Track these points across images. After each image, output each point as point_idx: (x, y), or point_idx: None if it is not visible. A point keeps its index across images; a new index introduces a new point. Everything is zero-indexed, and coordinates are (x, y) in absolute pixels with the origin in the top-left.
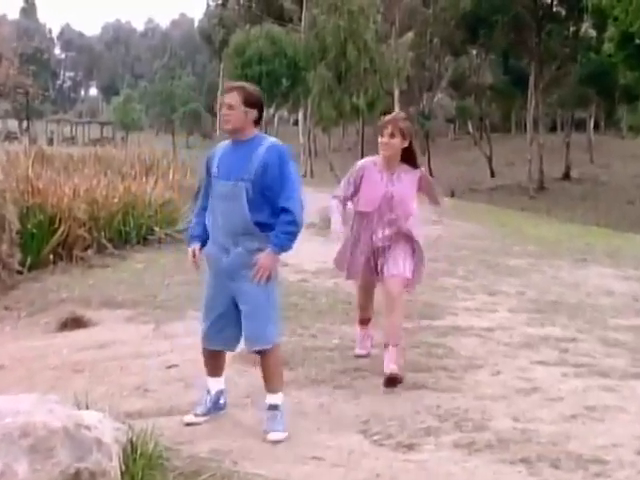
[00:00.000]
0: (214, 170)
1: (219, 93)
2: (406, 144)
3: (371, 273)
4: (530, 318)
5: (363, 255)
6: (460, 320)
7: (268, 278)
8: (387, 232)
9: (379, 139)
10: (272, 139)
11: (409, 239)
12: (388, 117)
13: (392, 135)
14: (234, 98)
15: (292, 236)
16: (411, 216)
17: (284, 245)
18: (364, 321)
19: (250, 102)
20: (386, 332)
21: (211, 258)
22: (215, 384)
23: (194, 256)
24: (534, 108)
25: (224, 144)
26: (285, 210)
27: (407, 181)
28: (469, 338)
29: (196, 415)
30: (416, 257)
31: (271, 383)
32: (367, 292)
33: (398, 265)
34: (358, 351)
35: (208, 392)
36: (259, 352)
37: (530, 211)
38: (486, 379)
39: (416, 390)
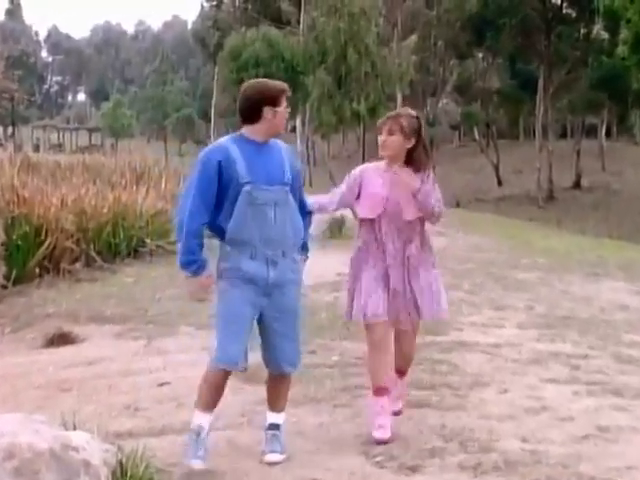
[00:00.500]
0: (244, 175)
1: (214, 98)
2: (410, 144)
3: (396, 313)
4: (539, 334)
5: (379, 282)
6: (466, 335)
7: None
8: (398, 245)
9: (378, 138)
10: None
11: (426, 254)
12: (391, 112)
13: (390, 132)
14: None
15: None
16: (414, 221)
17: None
18: (383, 390)
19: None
20: (401, 359)
21: (249, 276)
22: (211, 417)
23: (208, 284)
24: (543, 114)
25: (233, 147)
26: (310, 213)
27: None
28: (475, 354)
29: (203, 460)
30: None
31: (279, 402)
32: (386, 347)
33: (432, 298)
34: (378, 435)
35: (202, 430)
36: (281, 374)
37: (539, 222)
38: (493, 397)
39: (419, 409)
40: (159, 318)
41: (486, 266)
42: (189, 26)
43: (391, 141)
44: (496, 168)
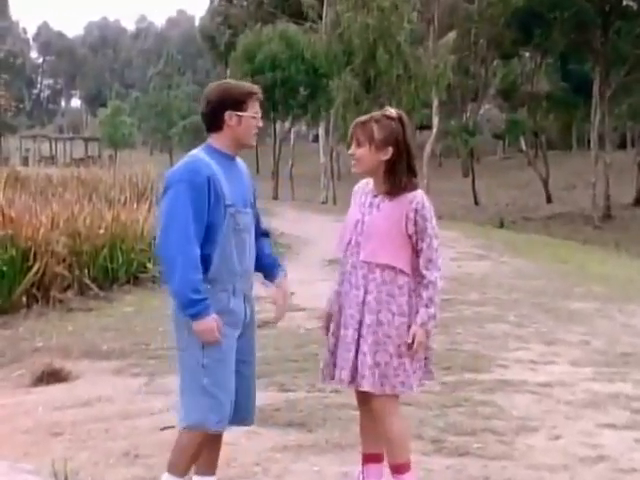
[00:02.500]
0: (227, 195)
1: None
2: (386, 155)
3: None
4: (596, 372)
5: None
6: (511, 373)
7: None
8: (353, 292)
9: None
10: None
11: (383, 312)
12: (361, 117)
13: (358, 142)
14: None
15: None
16: (387, 269)
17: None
18: (370, 457)
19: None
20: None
21: (234, 316)
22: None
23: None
24: (599, 121)
25: (211, 160)
26: (267, 234)
27: (387, 210)
28: (522, 395)
29: None
30: (390, 347)
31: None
32: (367, 407)
33: (365, 371)
34: None
35: None
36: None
37: (595, 244)
38: (543, 445)
39: (459, 457)
40: (162, 353)
41: (534, 295)
42: (197, 23)
43: (360, 154)
44: (545, 183)
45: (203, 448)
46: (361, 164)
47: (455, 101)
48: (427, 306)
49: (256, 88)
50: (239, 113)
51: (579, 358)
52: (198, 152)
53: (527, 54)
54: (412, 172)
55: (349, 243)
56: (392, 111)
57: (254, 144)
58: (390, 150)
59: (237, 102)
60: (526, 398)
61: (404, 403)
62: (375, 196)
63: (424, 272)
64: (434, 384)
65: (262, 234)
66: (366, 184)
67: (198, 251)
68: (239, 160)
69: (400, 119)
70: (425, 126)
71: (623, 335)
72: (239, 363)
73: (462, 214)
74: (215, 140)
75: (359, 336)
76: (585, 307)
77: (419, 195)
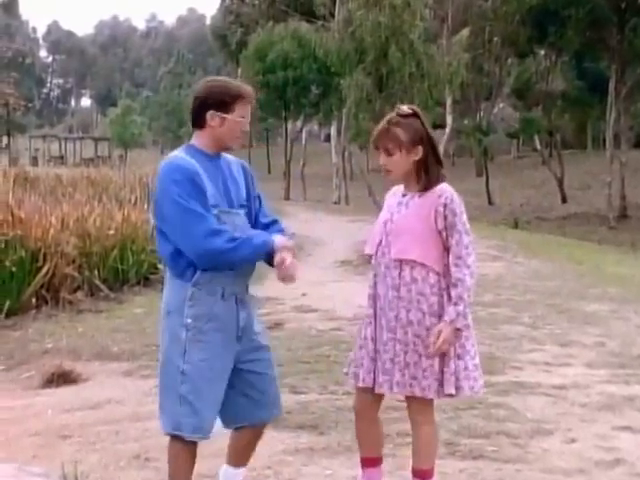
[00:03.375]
0: (210, 195)
1: None
2: (418, 155)
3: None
4: (611, 374)
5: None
6: (526, 375)
7: None
8: (391, 293)
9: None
10: None
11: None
12: (379, 125)
13: (388, 152)
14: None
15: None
16: (418, 266)
17: None
18: (368, 461)
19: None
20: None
21: (220, 320)
22: None
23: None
24: (614, 119)
25: (190, 160)
26: (276, 222)
27: (416, 207)
28: (536, 397)
29: None
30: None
31: (248, 457)
32: (367, 417)
33: (405, 377)
34: None
35: None
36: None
37: (610, 244)
38: (558, 448)
39: (473, 460)
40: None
41: (549, 296)
42: (207, 21)
43: (393, 163)
44: (560, 182)
45: (185, 456)
46: (396, 172)
47: (469, 100)
48: (456, 304)
49: (247, 92)
50: (222, 115)
51: (594, 360)
52: (178, 153)
53: (542, 52)
54: (440, 164)
55: (379, 244)
56: (405, 108)
57: (236, 147)
58: (420, 149)
59: (222, 103)
60: (541, 400)
61: None
62: (404, 195)
63: (453, 269)
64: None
65: (267, 224)
66: (398, 189)
67: (215, 226)
68: (231, 158)
69: (416, 114)
70: (438, 125)
71: (639, 337)
72: (248, 364)
73: (476, 214)
74: (197, 138)
75: (395, 338)
76: (600, 308)
77: (448, 189)
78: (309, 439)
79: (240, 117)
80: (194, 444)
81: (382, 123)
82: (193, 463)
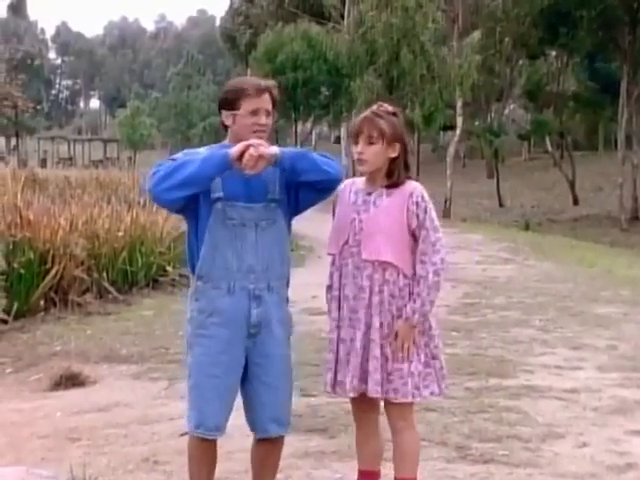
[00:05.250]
0: (215, 188)
1: None
2: (394, 152)
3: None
4: (624, 378)
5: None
6: (537, 379)
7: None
8: (361, 295)
9: (352, 148)
10: None
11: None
12: (363, 113)
13: (370, 140)
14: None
15: None
16: (390, 268)
17: None
18: (366, 474)
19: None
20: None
21: (226, 316)
22: None
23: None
24: (626, 121)
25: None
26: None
27: (386, 206)
28: (548, 401)
29: None
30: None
31: (265, 476)
32: (366, 419)
33: (376, 376)
34: None
35: None
36: (268, 438)
37: (622, 247)
38: (569, 452)
39: (484, 464)
40: (181, 357)
41: (560, 299)
42: (217, 23)
43: (372, 152)
44: (572, 184)
45: (199, 455)
46: (372, 162)
47: (479, 101)
48: (414, 301)
49: (251, 86)
50: (232, 112)
51: (606, 363)
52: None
53: (553, 53)
54: (407, 168)
55: (345, 243)
56: (387, 106)
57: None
58: (398, 147)
59: (229, 101)
60: (552, 404)
61: (428, 409)
62: (369, 194)
63: (417, 266)
64: (458, 389)
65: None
66: (352, 183)
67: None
68: None
69: (396, 114)
70: (449, 127)
71: None
72: (254, 366)
73: (487, 216)
74: (227, 138)
75: (369, 340)
76: (612, 311)
77: (418, 187)
78: (319, 442)
79: (248, 112)
80: (208, 443)
81: (366, 112)
82: (210, 464)
